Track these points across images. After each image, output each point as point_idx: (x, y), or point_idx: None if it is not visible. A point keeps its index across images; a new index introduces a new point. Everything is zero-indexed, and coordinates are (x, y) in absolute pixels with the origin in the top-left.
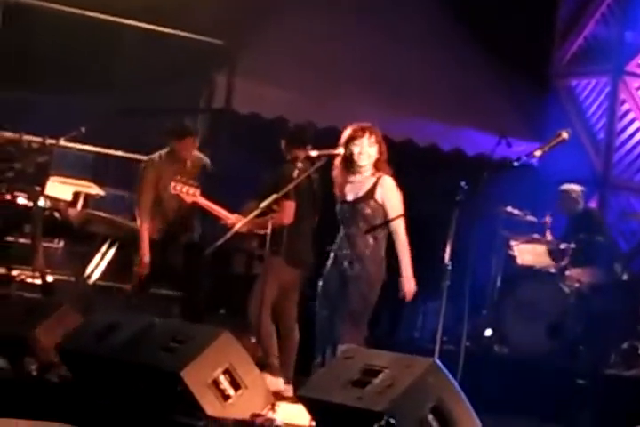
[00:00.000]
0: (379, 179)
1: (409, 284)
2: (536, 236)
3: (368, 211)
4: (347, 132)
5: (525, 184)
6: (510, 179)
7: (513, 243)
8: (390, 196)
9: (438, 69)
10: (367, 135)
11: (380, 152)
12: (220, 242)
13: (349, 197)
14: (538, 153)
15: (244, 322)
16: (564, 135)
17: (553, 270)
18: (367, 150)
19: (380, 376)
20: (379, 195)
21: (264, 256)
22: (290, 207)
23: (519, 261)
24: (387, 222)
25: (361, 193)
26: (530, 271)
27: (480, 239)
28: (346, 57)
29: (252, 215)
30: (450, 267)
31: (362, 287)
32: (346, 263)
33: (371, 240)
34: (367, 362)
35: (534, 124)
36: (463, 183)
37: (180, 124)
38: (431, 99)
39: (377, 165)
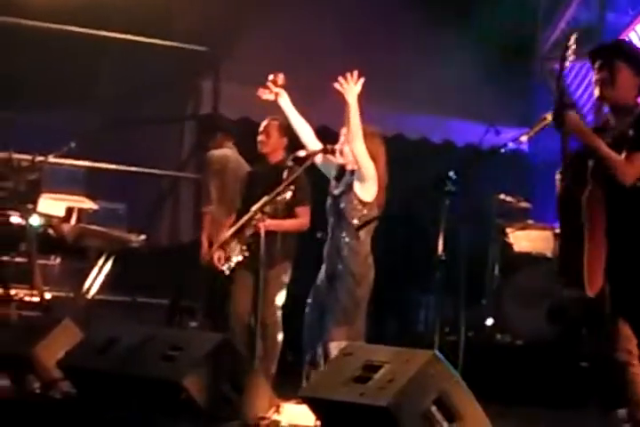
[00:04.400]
0: (356, 171)
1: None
2: (531, 222)
3: (344, 206)
4: None
5: (518, 171)
6: (502, 166)
7: (508, 230)
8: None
9: (422, 62)
10: (344, 131)
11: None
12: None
13: (335, 192)
14: (524, 138)
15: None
16: (549, 118)
17: (550, 255)
18: (341, 147)
19: (381, 371)
20: (356, 187)
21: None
22: (308, 213)
23: (516, 248)
24: (367, 223)
25: (342, 188)
26: (527, 258)
27: (475, 228)
28: (332, 55)
29: (244, 219)
30: (443, 258)
31: (347, 284)
32: (329, 261)
33: (347, 238)
34: (367, 358)
35: (522, 111)
36: (452, 173)
37: None
38: (419, 92)
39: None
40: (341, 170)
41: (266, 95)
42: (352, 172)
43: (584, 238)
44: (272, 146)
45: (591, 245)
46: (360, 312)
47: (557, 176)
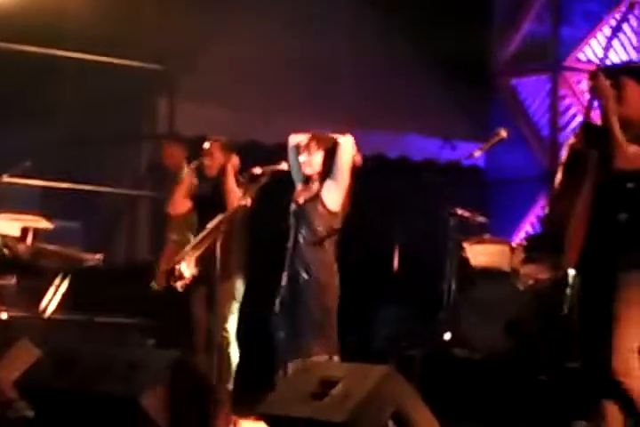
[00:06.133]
0: (325, 181)
1: None
2: (487, 236)
3: (309, 213)
4: (293, 142)
5: (473, 186)
6: (458, 181)
7: (465, 244)
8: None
9: (379, 78)
10: (310, 143)
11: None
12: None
13: (300, 200)
14: (477, 153)
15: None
16: (503, 134)
17: (507, 269)
18: (310, 159)
19: (338, 387)
20: (325, 194)
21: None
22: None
23: (473, 262)
24: (328, 236)
25: (307, 197)
26: (484, 272)
27: (432, 243)
28: (287, 72)
29: (199, 237)
30: (397, 273)
31: (314, 293)
32: (294, 271)
33: (311, 246)
34: (324, 374)
35: (479, 126)
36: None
37: None
38: (375, 107)
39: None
40: (306, 179)
41: None
42: (320, 181)
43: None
44: (218, 168)
45: (579, 214)
46: (332, 322)
47: (570, 139)
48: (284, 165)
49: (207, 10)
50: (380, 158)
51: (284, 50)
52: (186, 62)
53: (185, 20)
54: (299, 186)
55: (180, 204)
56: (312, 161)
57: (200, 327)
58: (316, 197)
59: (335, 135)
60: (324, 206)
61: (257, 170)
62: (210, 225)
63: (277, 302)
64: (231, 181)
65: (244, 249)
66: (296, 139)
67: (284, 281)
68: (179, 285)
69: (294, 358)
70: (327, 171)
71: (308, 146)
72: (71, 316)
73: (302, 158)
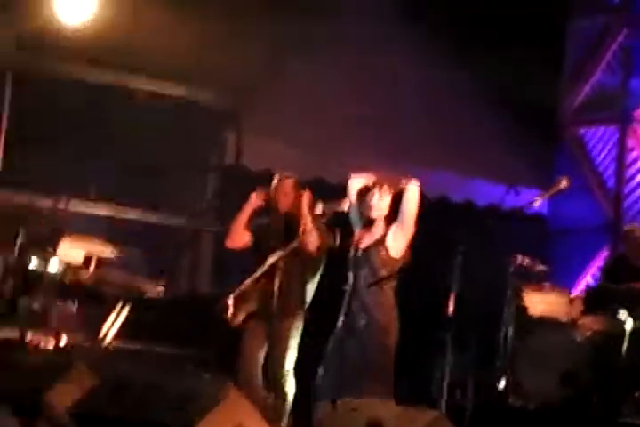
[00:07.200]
0: (389, 226)
1: None
2: (547, 285)
3: (372, 258)
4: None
5: (536, 234)
6: (520, 229)
7: (524, 293)
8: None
9: (447, 121)
10: (382, 186)
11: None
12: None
13: (362, 245)
14: (537, 202)
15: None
16: (564, 183)
17: (565, 320)
18: (378, 203)
19: None
20: (389, 240)
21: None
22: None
23: (531, 311)
24: (389, 276)
25: (371, 241)
26: (542, 321)
27: (491, 290)
28: (354, 111)
29: (258, 273)
30: (453, 319)
31: (374, 337)
32: (353, 314)
33: (374, 289)
34: (372, 414)
35: (545, 174)
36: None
37: None
38: (441, 150)
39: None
40: (369, 222)
41: None
42: (385, 225)
43: None
44: (289, 205)
45: None
46: (390, 365)
47: None
48: (345, 206)
49: (277, 48)
50: (443, 201)
51: (351, 90)
52: (256, 98)
53: (257, 57)
54: (357, 229)
55: (239, 236)
56: (382, 205)
57: (246, 364)
58: (380, 242)
59: (401, 178)
60: (387, 252)
61: (318, 209)
62: (270, 260)
63: (331, 342)
64: (308, 218)
65: (304, 287)
66: (359, 180)
67: (340, 323)
68: (234, 320)
69: (336, 397)
70: (392, 215)
71: (380, 189)
72: (129, 344)
73: (374, 201)
